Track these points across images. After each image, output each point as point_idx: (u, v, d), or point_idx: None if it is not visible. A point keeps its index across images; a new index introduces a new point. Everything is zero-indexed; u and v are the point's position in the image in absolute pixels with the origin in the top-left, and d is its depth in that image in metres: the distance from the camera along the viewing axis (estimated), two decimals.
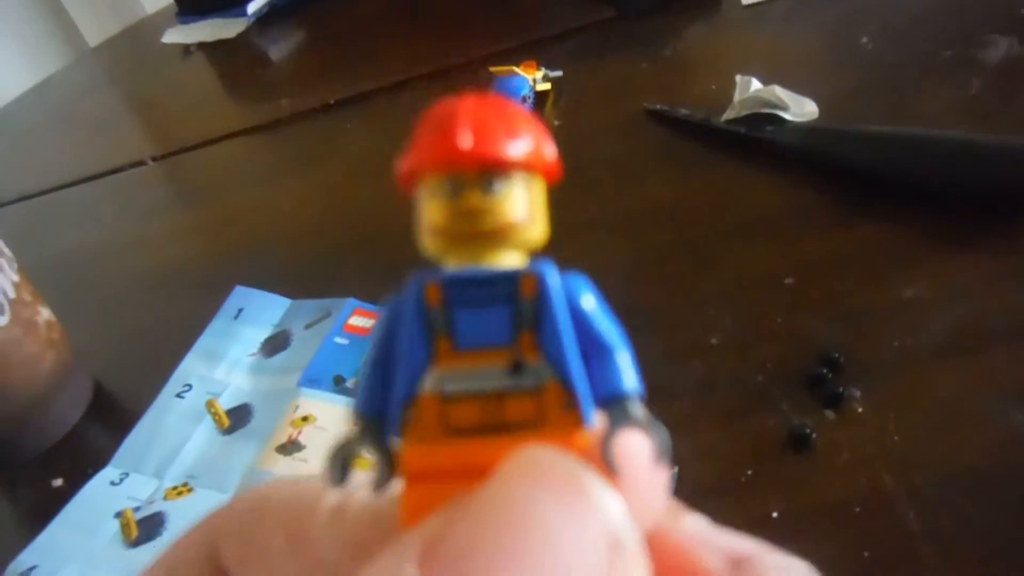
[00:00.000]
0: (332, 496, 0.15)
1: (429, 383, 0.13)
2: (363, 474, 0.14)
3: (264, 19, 1.05)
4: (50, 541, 0.47)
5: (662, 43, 0.73)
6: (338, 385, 0.51)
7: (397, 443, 0.13)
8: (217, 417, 0.52)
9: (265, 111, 0.85)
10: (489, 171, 0.13)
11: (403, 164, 0.13)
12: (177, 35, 1.07)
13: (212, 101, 0.96)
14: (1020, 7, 0.62)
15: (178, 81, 1.02)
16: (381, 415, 0.13)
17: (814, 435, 0.39)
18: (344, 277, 0.59)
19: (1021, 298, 0.43)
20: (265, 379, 0.54)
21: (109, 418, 0.57)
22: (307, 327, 0.56)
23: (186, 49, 1.05)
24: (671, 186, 0.58)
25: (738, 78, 0.60)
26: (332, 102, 0.82)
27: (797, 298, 0.47)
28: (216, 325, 0.58)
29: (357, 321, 0.55)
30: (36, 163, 0.94)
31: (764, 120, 0.58)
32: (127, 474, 0.50)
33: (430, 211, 0.13)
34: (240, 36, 1.02)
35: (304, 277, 0.61)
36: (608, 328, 0.13)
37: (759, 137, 0.57)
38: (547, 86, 0.71)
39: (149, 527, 0.47)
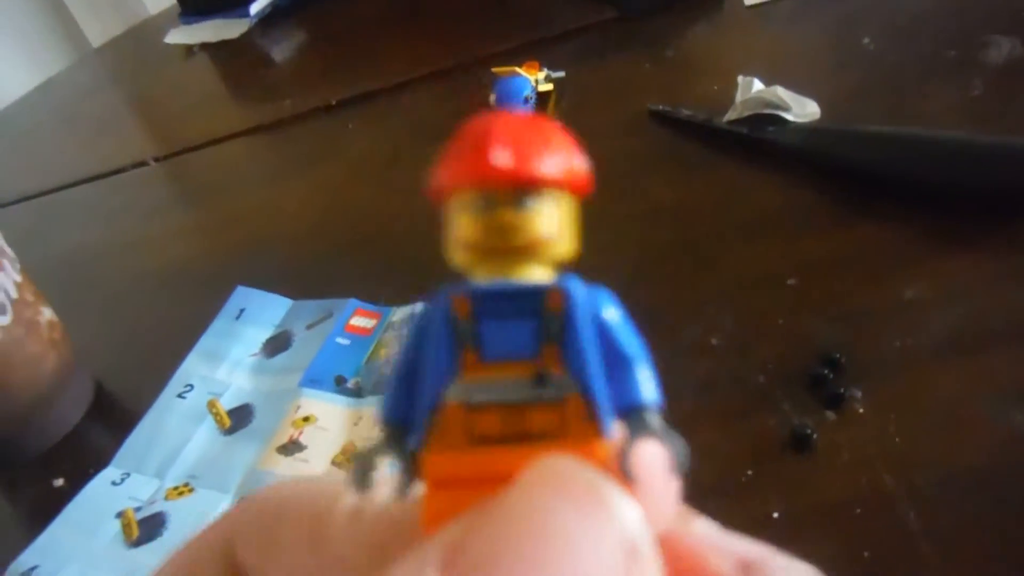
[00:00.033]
0: (349, 497, 0.15)
1: (455, 393, 0.13)
2: (383, 479, 0.14)
3: (266, 20, 1.05)
4: (51, 541, 0.48)
5: (664, 43, 0.73)
6: (339, 385, 0.51)
7: (421, 450, 0.13)
8: (218, 417, 0.52)
9: (267, 111, 0.85)
10: (522, 188, 0.13)
11: (437, 177, 0.13)
12: (180, 36, 1.07)
13: (214, 101, 0.96)
14: (1022, 8, 0.62)
15: (181, 81, 1.03)
16: (406, 422, 0.13)
17: (815, 435, 0.39)
18: (345, 277, 0.60)
19: (1022, 298, 0.43)
20: (266, 379, 0.54)
21: (110, 418, 0.57)
22: (308, 327, 0.56)
23: (189, 49, 1.05)
24: (673, 186, 0.58)
25: (740, 79, 0.60)
26: (334, 102, 0.82)
27: (798, 298, 0.46)
28: (218, 325, 0.58)
29: (358, 321, 0.55)
30: (39, 163, 0.95)
31: (766, 121, 0.58)
32: (128, 474, 0.51)
33: (462, 225, 0.13)
34: (243, 37, 1.03)
35: (306, 277, 0.61)
36: (630, 341, 0.13)
37: (761, 138, 0.57)
38: (549, 87, 0.71)
39: (150, 527, 0.47)
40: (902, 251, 0.47)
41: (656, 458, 0.13)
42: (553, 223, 0.13)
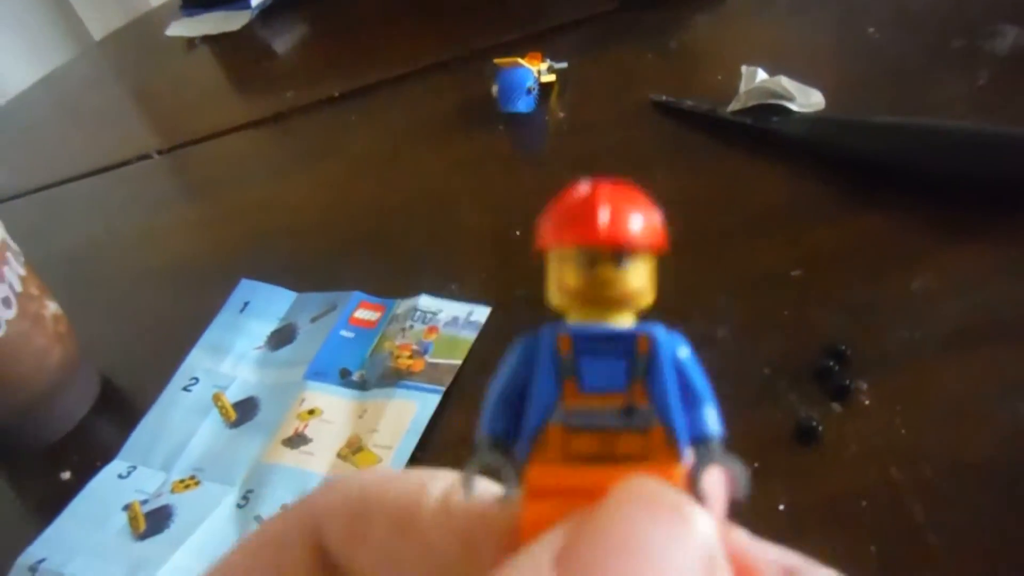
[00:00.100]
0: (437, 488, 0.16)
1: (556, 416, 0.15)
2: (483, 482, 0.16)
3: (268, 11, 1.04)
4: (58, 534, 0.48)
5: (668, 34, 0.73)
6: (344, 378, 0.51)
7: (523, 462, 0.15)
8: (224, 410, 0.52)
9: (270, 104, 0.85)
10: (621, 250, 0.15)
11: (545, 233, 0.15)
12: (181, 28, 1.07)
13: (217, 94, 0.96)
14: None
15: (183, 74, 1.02)
16: (506, 436, 0.15)
17: (821, 428, 0.39)
18: (350, 270, 0.60)
19: None
20: (271, 372, 0.54)
21: (116, 411, 0.57)
22: (313, 320, 0.56)
23: (190, 42, 1.05)
24: (677, 178, 0.58)
25: (744, 69, 0.60)
26: (337, 95, 0.82)
27: (803, 290, 0.46)
28: (222, 318, 0.58)
29: (363, 314, 0.55)
30: (42, 157, 0.95)
31: (770, 111, 0.57)
32: (135, 467, 0.51)
33: (565, 275, 0.15)
34: (244, 29, 1.02)
35: (310, 270, 0.61)
36: (701, 382, 0.15)
37: (765, 128, 0.57)
38: (552, 78, 0.71)
39: (157, 520, 0.47)
40: (908, 242, 0.47)
41: (720, 481, 0.15)
42: (642, 280, 0.15)
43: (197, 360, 0.56)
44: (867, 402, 0.40)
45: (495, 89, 0.69)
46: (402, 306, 0.54)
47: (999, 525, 0.34)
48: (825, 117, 0.56)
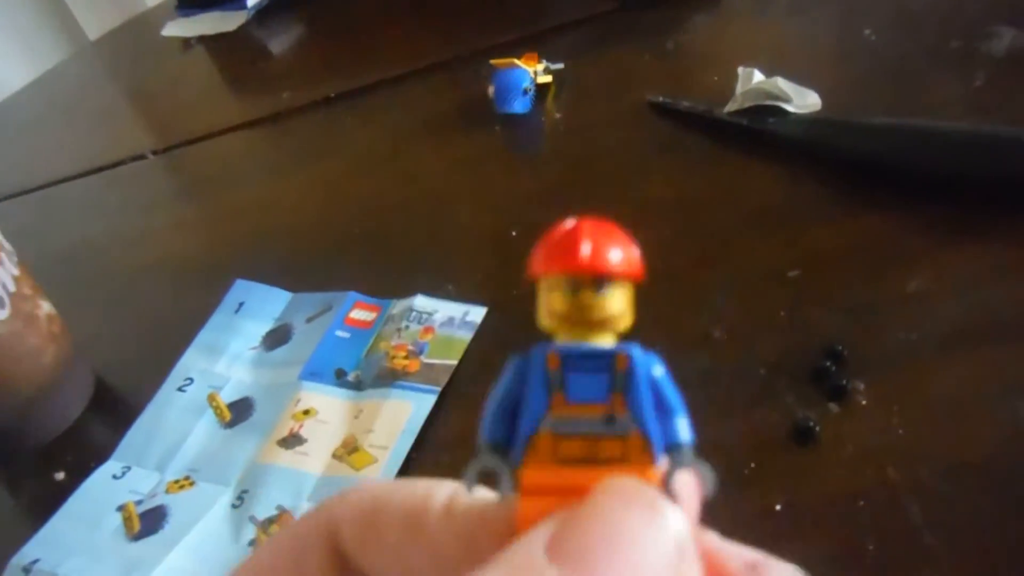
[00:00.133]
0: (441, 494, 0.18)
1: (546, 424, 0.17)
2: (482, 488, 0.18)
3: (264, 12, 1.04)
4: (53, 534, 0.47)
5: (664, 35, 0.73)
6: (339, 378, 0.51)
7: (518, 465, 0.17)
8: (218, 411, 0.52)
9: (266, 104, 0.85)
10: (600, 278, 0.17)
11: (535, 263, 0.18)
12: (177, 28, 1.07)
13: (212, 94, 0.96)
14: None
15: (178, 74, 1.02)
16: (504, 442, 0.17)
17: (818, 428, 0.39)
18: (345, 271, 0.59)
19: None
20: (266, 372, 0.53)
21: (111, 412, 0.57)
22: (308, 320, 0.56)
23: (186, 42, 1.05)
24: (673, 178, 0.58)
25: (740, 70, 0.60)
26: (333, 95, 0.82)
27: (800, 290, 0.46)
28: (217, 319, 0.58)
29: (358, 315, 0.55)
30: (36, 157, 0.94)
31: (767, 112, 0.57)
32: (129, 468, 0.50)
33: (552, 300, 0.17)
34: (240, 29, 1.02)
35: (305, 271, 0.61)
36: (674, 395, 0.17)
37: (762, 129, 0.57)
38: (548, 79, 0.71)
39: (151, 520, 0.47)
40: (905, 243, 0.47)
41: (690, 482, 0.17)
42: (621, 304, 0.17)
43: (192, 360, 0.56)
44: (864, 402, 0.40)
45: (491, 90, 0.69)
46: (398, 306, 0.54)
47: (996, 525, 0.34)
48: (821, 118, 0.56)
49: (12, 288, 0.52)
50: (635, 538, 0.15)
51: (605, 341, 0.17)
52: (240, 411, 0.52)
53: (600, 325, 0.17)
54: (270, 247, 0.66)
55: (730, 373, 0.43)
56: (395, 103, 0.78)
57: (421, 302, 0.53)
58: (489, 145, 0.68)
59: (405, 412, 0.47)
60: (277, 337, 0.56)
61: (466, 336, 0.51)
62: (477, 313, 0.52)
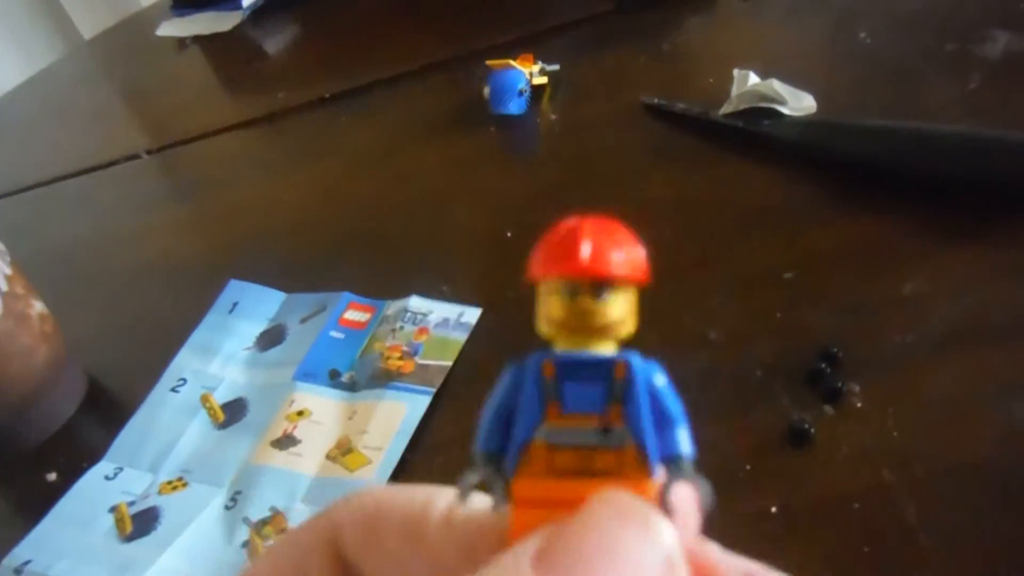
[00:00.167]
0: (441, 502, 0.18)
1: (540, 434, 0.16)
2: (479, 496, 0.17)
3: (259, 12, 1.04)
4: (44, 535, 0.47)
5: (660, 37, 0.73)
6: (333, 379, 0.51)
7: (511, 476, 0.17)
8: (212, 411, 0.52)
9: (261, 104, 0.85)
10: (600, 283, 0.16)
11: (534, 265, 0.17)
12: (172, 28, 1.06)
13: (207, 94, 0.95)
14: (1019, 1, 0.62)
15: (173, 74, 1.02)
16: (499, 452, 0.17)
17: (813, 430, 0.39)
18: (339, 271, 0.59)
19: (1020, 292, 0.43)
20: (260, 373, 0.53)
21: (103, 412, 0.56)
22: (302, 321, 0.55)
23: (181, 42, 1.05)
24: (668, 180, 0.58)
25: (736, 72, 0.60)
26: (328, 96, 0.82)
27: (796, 292, 0.46)
28: (211, 319, 0.58)
29: (352, 315, 0.54)
30: (30, 156, 0.94)
31: (762, 114, 0.57)
32: (121, 468, 0.50)
33: (550, 305, 0.17)
34: (235, 29, 1.02)
35: (299, 271, 0.60)
36: (674, 404, 0.17)
37: (757, 131, 0.57)
38: (544, 80, 0.71)
39: (144, 521, 0.46)
40: (900, 245, 0.47)
41: (687, 496, 0.17)
42: (622, 311, 0.17)
43: (185, 361, 0.55)
44: (859, 404, 0.40)
45: (487, 91, 0.69)
46: (392, 307, 0.54)
47: (992, 526, 0.34)
48: (816, 120, 0.56)
49: (4, 287, 0.52)
50: (625, 553, 0.15)
51: (605, 348, 0.17)
52: (234, 412, 0.51)
53: (599, 332, 0.17)
54: (264, 247, 0.66)
55: (726, 375, 0.43)
56: (390, 104, 0.78)
57: (416, 303, 0.53)
58: (484, 146, 0.68)
59: (399, 413, 0.47)
60: (271, 338, 0.55)
61: (461, 337, 0.50)
62: (472, 314, 0.52)
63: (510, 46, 0.76)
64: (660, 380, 0.17)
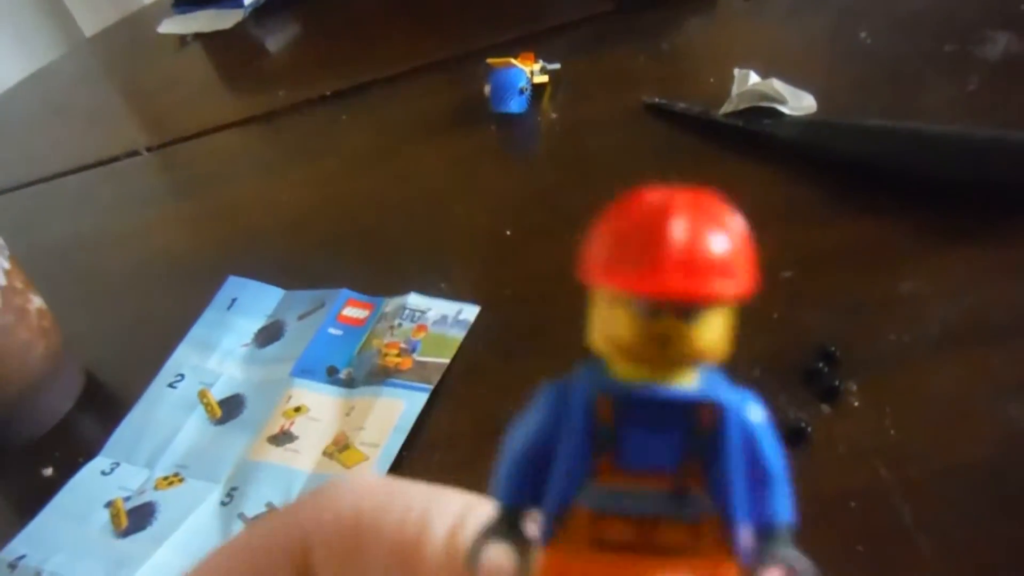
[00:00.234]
0: (439, 528, 0.15)
1: (586, 496, 0.12)
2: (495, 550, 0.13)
3: (260, 10, 1.04)
4: (40, 530, 0.47)
5: (661, 36, 0.73)
6: (331, 376, 0.51)
7: (543, 544, 0.12)
8: (209, 407, 0.52)
9: (261, 102, 0.85)
10: (693, 304, 0.11)
11: (594, 265, 0.12)
12: (173, 25, 1.07)
13: (208, 92, 0.95)
14: (1019, 3, 0.62)
15: (174, 72, 1.02)
16: (524, 504, 0.13)
17: (810, 429, 0.39)
18: (338, 268, 0.59)
19: (1018, 293, 0.43)
20: (258, 369, 0.53)
21: (100, 407, 0.56)
22: (300, 318, 0.55)
23: (182, 40, 1.05)
24: (668, 180, 0.57)
25: (736, 71, 0.60)
26: (329, 93, 0.81)
27: (794, 292, 0.46)
28: (209, 315, 0.58)
29: (351, 312, 0.54)
30: (30, 152, 0.94)
31: (762, 114, 0.57)
32: (118, 464, 0.50)
33: (616, 322, 0.12)
34: (236, 27, 1.02)
35: (298, 268, 0.60)
36: (775, 457, 0.13)
37: (757, 131, 0.57)
38: (545, 79, 0.71)
39: (139, 517, 0.46)
40: (898, 245, 0.47)
41: None
42: (717, 336, 0.12)
43: (183, 356, 0.55)
44: (856, 403, 0.40)
45: (487, 89, 0.69)
46: (391, 304, 0.54)
47: (988, 526, 0.34)
48: (816, 120, 0.56)
49: (3, 282, 0.52)
50: None
51: (685, 382, 0.12)
52: (231, 408, 0.51)
53: (681, 361, 0.12)
54: (263, 244, 0.65)
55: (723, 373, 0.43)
56: (391, 102, 0.78)
57: (414, 300, 0.53)
58: (484, 144, 0.68)
59: (397, 410, 0.47)
60: (269, 334, 0.55)
61: (459, 335, 0.50)
62: (470, 312, 0.52)
63: (511, 45, 0.75)
64: (759, 420, 0.13)
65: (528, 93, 0.69)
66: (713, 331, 0.12)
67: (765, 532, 0.12)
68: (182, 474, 0.48)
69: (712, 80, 0.63)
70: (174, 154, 0.83)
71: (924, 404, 0.39)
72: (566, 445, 0.12)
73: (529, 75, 0.69)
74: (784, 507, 0.13)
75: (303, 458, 0.47)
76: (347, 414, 0.48)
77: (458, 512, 0.15)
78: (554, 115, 0.69)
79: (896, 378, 0.40)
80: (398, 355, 0.50)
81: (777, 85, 0.57)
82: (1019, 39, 0.58)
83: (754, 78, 0.59)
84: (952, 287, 0.44)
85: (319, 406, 0.49)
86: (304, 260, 0.62)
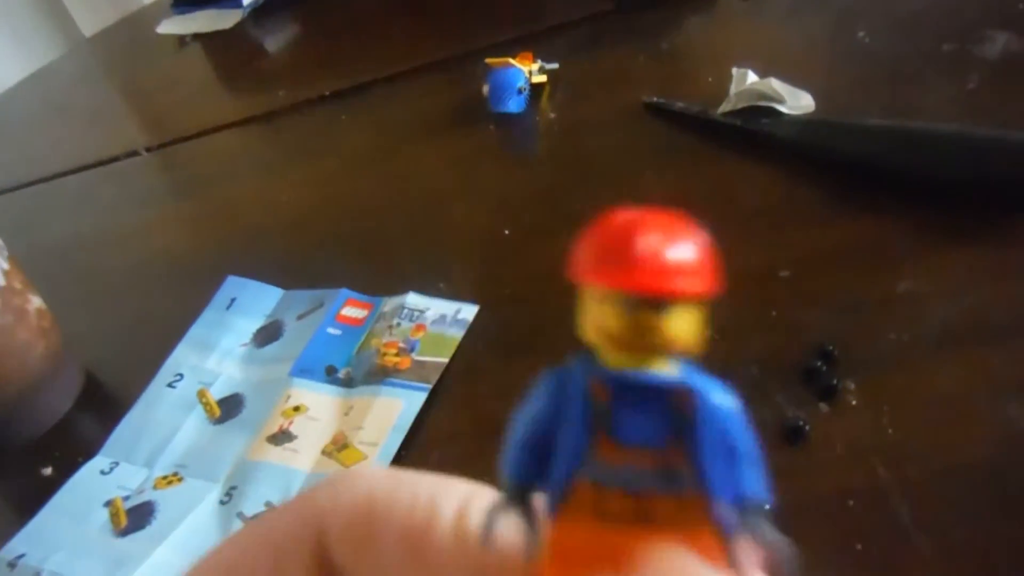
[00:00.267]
0: (448, 510, 0.16)
1: (586, 470, 0.14)
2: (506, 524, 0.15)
3: (259, 10, 1.04)
4: (39, 529, 0.47)
5: (659, 36, 0.73)
6: (330, 375, 0.51)
7: (549, 516, 0.14)
8: (208, 407, 0.52)
9: (261, 102, 0.85)
10: (665, 298, 0.14)
11: (583, 267, 0.14)
12: (172, 26, 1.07)
13: (207, 92, 0.95)
14: (1018, 2, 0.62)
15: (173, 72, 1.02)
16: (532, 484, 0.14)
17: (808, 428, 0.39)
18: (337, 268, 0.59)
19: (1017, 292, 0.43)
20: (257, 369, 0.53)
21: (100, 407, 0.56)
22: (299, 317, 0.55)
23: (181, 40, 1.05)
24: (667, 179, 0.58)
25: (734, 70, 0.60)
26: (328, 93, 0.82)
27: (792, 291, 0.46)
28: (208, 315, 0.58)
29: (350, 311, 0.54)
30: (30, 153, 0.94)
31: (760, 113, 0.57)
32: (117, 463, 0.50)
33: (603, 315, 0.14)
34: (236, 27, 1.02)
35: (297, 267, 0.60)
36: (747, 439, 0.14)
37: (755, 130, 0.57)
38: (543, 78, 0.71)
39: (138, 516, 0.46)
40: (896, 244, 0.47)
41: (759, 554, 0.14)
42: (688, 327, 0.14)
43: (182, 356, 0.55)
44: (854, 402, 0.40)
45: (486, 89, 0.69)
46: (390, 304, 0.54)
47: (986, 525, 0.34)
48: (815, 119, 0.56)
49: (2, 282, 0.52)
50: None
51: (667, 369, 0.14)
52: (230, 407, 0.51)
53: (661, 349, 0.14)
54: (262, 244, 0.66)
55: (721, 372, 0.43)
56: (390, 102, 0.78)
57: (413, 300, 0.53)
58: (483, 144, 0.68)
59: (395, 409, 0.47)
60: (268, 334, 0.55)
61: (457, 334, 0.50)
62: (469, 311, 0.52)
63: (509, 45, 0.76)
64: (732, 408, 0.14)
65: (526, 93, 0.69)
66: (683, 323, 0.14)
67: (741, 508, 0.14)
68: (181, 473, 0.48)
69: (710, 80, 0.63)
70: (173, 154, 0.83)
71: (923, 403, 0.39)
72: (568, 424, 0.14)
73: (527, 75, 0.69)
74: (756, 485, 0.14)
75: (302, 457, 0.47)
76: (346, 413, 0.48)
77: (464, 497, 0.16)
78: (552, 115, 0.69)
79: (895, 377, 0.40)
80: (397, 355, 0.50)
81: (775, 84, 0.57)
82: (1018, 38, 0.58)
83: (752, 77, 0.59)
84: (951, 286, 0.44)
85: (318, 405, 0.49)
86: (303, 260, 0.62)
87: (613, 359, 0.14)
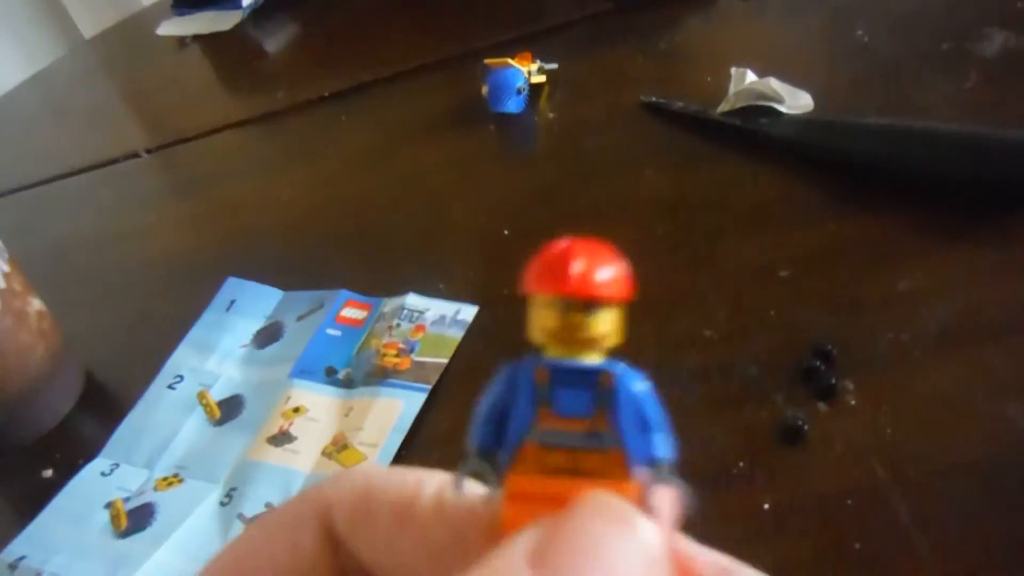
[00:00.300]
0: (431, 485, 0.19)
1: (533, 434, 0.18)
2: (471, 484, 0.18)
3: (259, 11, 1.04)
4: (40, 531, 0.47)
5: (658, 35, 0.73)
6: (330, 376, 0.51)
7: (504, 471, 0.18)
8: (208, 408, 0.52)
9: (260, 103, 0.85)
10: (589, 301, 0.17)
11: (529, 281, 0.18)
12: (172, 27, 1.07)
13: (207, 93, 0.96)
14: (1016, 1, 0.62)
15: (173, 73, 1.02)
16: (492, 448, 0.18)
17: (806, 427, 0.39)
18: (337, 269, 0.59)
19: (1016, 291, 0.43)
20: (257, 370, 0.53)
21: (100, 409, 0.56)
22: (299, 319, 0.56)
23: (181, 41, 1.05)
24: (665, 178, 0.58)
25: (733, 70, 0.60)
26: (327, 94, 0.82)
27: (791, 290, 0.46)
28: (208, 316, 0.58)
29: (349, 313, 0.54)
30: (30, 154, 0.94)
31: (759, 112, 0.57)
32: (117, 465, 0.50)
33: (544, 317, 0.18)
34: (235, 28, 1.02)
35: (297, 269, 0.60)
36: (655, 411, 0.18)
37: (754, 129, 0.57)
38: (542, 78, 0.71)
39: (139, 518, 0.47)
40: (895, 243, 0.47)
41: (668, 497, 0.18)
42: (609, 325, 0.18)
43: (182, 358, 0.55)
44: (853, 402, 0.40)
45: (485, 89, 0.69)
46: (389, 305, 0.54)
47: (984, 524, 0.34)
48: (814, 119, 0.56)
49: (2, 284, 0.52)
50: (610, 551, 0.16)
51: (593, 358, 0.18)
52: (230, 409, 0.51)
53: (589, 343, 0.18)
54: (262, 245, 0.66)
55: (720, 372, 0.43)
56: (389, 102, 0.78)
57: (413, 300, 0.53)
58: (482, 144, 0.68)
59: (395, 410, 0.47)
60: (268, 335, 0.55)
61: (457, 335, 0.50)
62: (468, 312, 0.52)
63: (509, 45, 0.76)
64: (642, 389, 0.18)
65: (526, 93, 0.69)
66: (606, 322, 0.18)
67: (653, 464, 0.18)
68: (181, 475, 0.49)
69: (709, 79, 0.63)
70: (173, 155, 0.83)
71: (921, 403, 0.39)
72: (518, 400, 0.18)
73: (527, 75, 0.69)
74: (664, 447, 0.18)
75: (302, 458, 0.47)
76: (346, 414, 0.48)
77: (444, 479, 0.19)
78: (551, 114, 0.69)
79: (893, 377, 0.40)
80: (396, 355, 0.50)
81: (774, 84, 0.57)
82: (1016, 36, 0.58)
83: (751, 77, 0.59)
84: (949, 285, 0.44)
85: (318, 406, 0.49)
86: (303, 261, 0.62)
87: (553, 351, 0.18)
